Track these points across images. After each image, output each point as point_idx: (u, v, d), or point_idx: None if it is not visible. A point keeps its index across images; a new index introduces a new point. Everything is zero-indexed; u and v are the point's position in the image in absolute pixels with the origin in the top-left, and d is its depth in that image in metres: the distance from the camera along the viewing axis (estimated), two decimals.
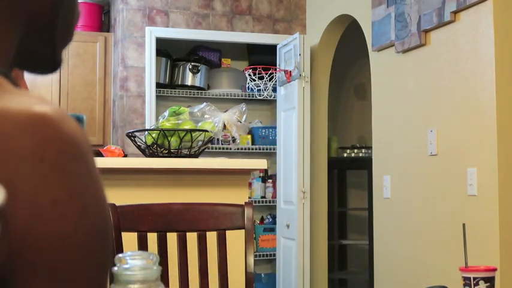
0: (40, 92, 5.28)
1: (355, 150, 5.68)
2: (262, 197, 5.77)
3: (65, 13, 0.73)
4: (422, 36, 3.69)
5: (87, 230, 0.57)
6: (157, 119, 3.69)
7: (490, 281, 1.59)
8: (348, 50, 5.81)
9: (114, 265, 0.92)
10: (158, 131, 2.75)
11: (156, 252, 1.86)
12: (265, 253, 5.63)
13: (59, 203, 0.55)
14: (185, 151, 2.77)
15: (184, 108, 2.93)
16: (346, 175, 5.85)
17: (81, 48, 5.39)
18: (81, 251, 0.57)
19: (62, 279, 0.56)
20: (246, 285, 2.00)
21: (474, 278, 1.58)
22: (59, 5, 0.71)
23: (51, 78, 5.30)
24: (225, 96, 5.80)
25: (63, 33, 0.74)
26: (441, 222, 3.52)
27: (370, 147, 4.95)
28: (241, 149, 5.74)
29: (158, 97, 5.39)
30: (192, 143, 2.75)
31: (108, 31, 5.71)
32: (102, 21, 5.70)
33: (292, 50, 5.04)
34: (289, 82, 5.07)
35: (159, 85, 5.44)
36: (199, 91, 5.73)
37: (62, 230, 0.55)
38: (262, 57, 5.74)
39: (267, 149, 5.79)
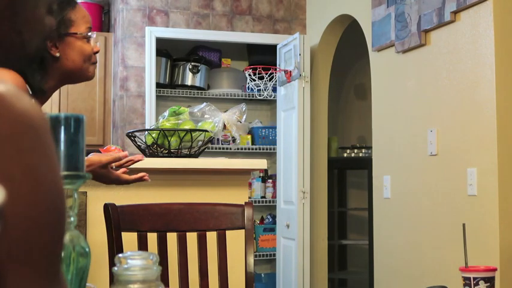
0: None
1: (355, 150, 5.68)
2: (262, 197, 5.77)
3: (25, 2, 0.71)
4: (422, 36, 3.69)
5: (41, 207, 0.56)
6: (157, 119, 3.69)
7: (490, 281, 1.59)
8: (348, 50, 5.81)
9: (114, 265, 0.92)
10: (158, 131, 2.75)
11: (156, 252, 1.86)
12: (265, 253, 5.63)
13: (11, 179, 0.54)
14: (185, 151, 2.77)
15: (184, 108, 2.92)
16: (346, 175, 5.85)
17: None
18: (35, 229, 0.56)
19: (16, 258, 0.55)
20: (246, 285, 2.00)
21: (474, 278, 1.58)
22: None
23: None
24: (225, 96, 5.81)
25: (30, 20, 0.73)
26: (441, 222, 3.52)
27: (370, 147, 4.95)
28: (241, 149, 5.74)
29: (158, 97, 5.39)
30: (192, 143, 2.75)
31: (108, 31, 5.71)
32: (102, 21, 5.70)
33: (292, 50, 5.04)
34: (289, 82, 5.07)
35: (159, 85, 5.44)
36: (199, 91, 5.73)
37: (15, 206, 0.54)
38: (262, 57, 5.74)
39: (267, 149, 5.79)
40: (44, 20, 0.75)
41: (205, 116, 2.84)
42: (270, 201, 5.76)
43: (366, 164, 5.14)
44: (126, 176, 2.19)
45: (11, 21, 0.71)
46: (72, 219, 0.91)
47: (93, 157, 2.08)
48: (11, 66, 0.78)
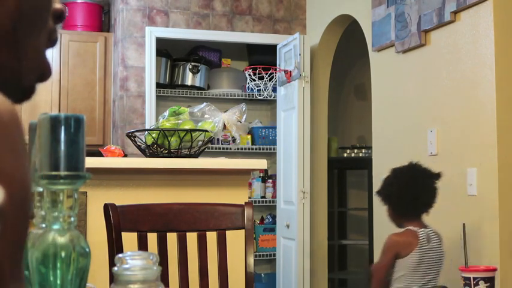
0: (40, 93, 5.29)
1: (355, 150, 5.68)
2: (262, 197, 5.77)
3: (27, 31, 0.71)
4: (422, 36, 3.69)
5: (4, 201, 0.56)
6: (157, 119, 3.69)
7: (490, 281, 1.59)
8: (348, 50, 5.81)
9: (114, 265, 0.92)
10: (158, 131, 2.75)
11: (156, 252, 1.86)
12: (265, 253, 5.63)
13: None
14: (185, 151, 2.77)
15: (184, 108, 2.93)
16: (346, 175, 5.85)
17: (81, 48, 5.39)
18: None
19: None
20: (246, 285, 2.01)
21: (474, 278, 1.58)
22: (16, 19, 0.70)
23: (51, 78, 5.30)
24: (225, 96, 5.81)
25: (30, 53, 0.73)
26: (441, 222, 3.52)
27: (370, 147, 4.95)
28: (241, 149, 5.74)
29: (158, 97, 5.39)
30: (192, 143, 2.75)
31: (108, 31, 5.71)
32: (102, 21, 5.70)
33: (292, 50, 5.04)
34: (289, 82, 5.07)
35: (159, 85, 5.44)
36: (199, 91, 5.74)
37: None
38: (262, 57, 5.74)
39: (267, 149, 5.79)
40: (42, 55, 0.75)
41: (205, 116, 2.84)
42: (270, 201, 5.76)
43: (366, 164, 5.14)
44: None
45: (12, 47, 0.71)
46: (72, 219, 0.91)
47: None
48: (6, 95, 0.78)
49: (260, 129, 5.83)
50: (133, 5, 5.18)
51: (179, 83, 5.69)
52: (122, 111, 5.13)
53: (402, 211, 3.00)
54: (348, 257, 5.88)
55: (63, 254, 0.88)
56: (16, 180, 0.58)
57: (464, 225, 1.72)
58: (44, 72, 0.76)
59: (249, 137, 5.80)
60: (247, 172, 2.87)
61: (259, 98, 5.14)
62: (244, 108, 2.91)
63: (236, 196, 2.72)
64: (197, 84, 5.71)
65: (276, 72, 5.07)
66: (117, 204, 1.92)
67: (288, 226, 5.00)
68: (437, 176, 3.02)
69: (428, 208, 2.99)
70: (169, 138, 2.73)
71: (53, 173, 0.89)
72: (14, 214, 0.58)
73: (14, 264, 0.58)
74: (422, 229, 2.92)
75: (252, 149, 5.78)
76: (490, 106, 3.17)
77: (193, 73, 5.67)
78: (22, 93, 0.76)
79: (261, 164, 2.81)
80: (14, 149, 0.58)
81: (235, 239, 2.28)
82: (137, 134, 2.87)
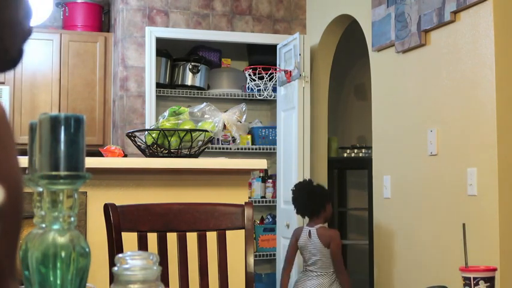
0: (40, 93, 5.29)
1: (355, 150, 5.68)
2: (262, 197, 5.77)
3: (4, 6, 0.72)
4: (422, 36, 3.69)
5: (4, 201, 0.56)
6: (157, 119, 3.69)
7: (490, 281, 1.59)
8: (348, 50, 5.81)
9: (114, 265, 0.92)
10: (158, 131, 2.75)
11: (156, 252, 1.86)
12: (265, 253, 5.63)
13: None
14: (185, 151, 2.77)
15: (184, 108, 2.93)
16: (346, 175, 5.85)
17: (81, 48, 5.39)
18: None
19: None
20: (246, 285, 2.01)
21: (474, 278, 1.58)
22: None
23: (51, 78, 5.30)
24: (225, 96, 5.81)
25: (9, 27, 0.73)
26: (441, 222, 3.52)
27: (370, 147, 4.95)
28: (241, 149, 5.74)
29: (158, 97, 5.39)
30: (192, 143, 2.75)
31: (108, 31, 5.71)
32: (102, 21, 5.70)
33: (292, 50, 5.04)
34: (289, 82, 5.07)
35: (159, 85, 5.44)
36: (199, 91, 5.74)
37: None
38: (262, 57, 5.74)
39: (267, 149, 5.79)
40: (20, 25, 0.75)
41: (205, 116, 2.84)
42: (270, 201, 5.76)
43: (366, 164, 5.13)
44: None
45: None
46: (72, 219, 0.91)
47: None
48: None
49: (260, 129, 5.83)
50: (133, 5, 5.18)
51: (179, 83, 5.69)
52: (122, 111, 5.13)
53: (302, 214, 4.27)
54: (348, 257, 5.88)
55: (63, 254, 0.88)
56: (10, 179, 0.58)
57: (464, 225, 1.72)
58: (26, 38, 0.77)
59: (249, 137, 5.80)
60: (247, 172, 2.87)
61: (259, 98, 5.14)
62: (244, 108, 2.91)
63: (236, 196, 2.72)
64: (197, 84, 5.71)
65: (276, 72, 5.07)
66: (117, 204, 1.92)
67: (288, 226, 5.00)
68: (305, 189, 4.20)
69: (306, 214, 4.18)
70: (169, 138, 2.73)
71: (53, 173, 0.89)
72: (9, 212, 0.57)
73: (11, 262, 0.58)
74: (307, 227, 4.09)
75: (252, 149, 5.78)
76: (490, 106, 3.17)
77: (193, 73, 5.67)
78: (13, 63, 0.76)
79: (261, 164, 2.81)
80: (5, 147, 0.58)
81: (235, 239, 2.28)
82: (137, 134, 2.87)
